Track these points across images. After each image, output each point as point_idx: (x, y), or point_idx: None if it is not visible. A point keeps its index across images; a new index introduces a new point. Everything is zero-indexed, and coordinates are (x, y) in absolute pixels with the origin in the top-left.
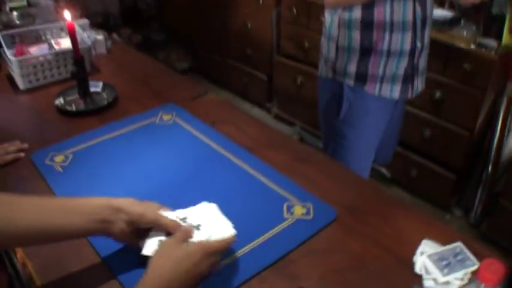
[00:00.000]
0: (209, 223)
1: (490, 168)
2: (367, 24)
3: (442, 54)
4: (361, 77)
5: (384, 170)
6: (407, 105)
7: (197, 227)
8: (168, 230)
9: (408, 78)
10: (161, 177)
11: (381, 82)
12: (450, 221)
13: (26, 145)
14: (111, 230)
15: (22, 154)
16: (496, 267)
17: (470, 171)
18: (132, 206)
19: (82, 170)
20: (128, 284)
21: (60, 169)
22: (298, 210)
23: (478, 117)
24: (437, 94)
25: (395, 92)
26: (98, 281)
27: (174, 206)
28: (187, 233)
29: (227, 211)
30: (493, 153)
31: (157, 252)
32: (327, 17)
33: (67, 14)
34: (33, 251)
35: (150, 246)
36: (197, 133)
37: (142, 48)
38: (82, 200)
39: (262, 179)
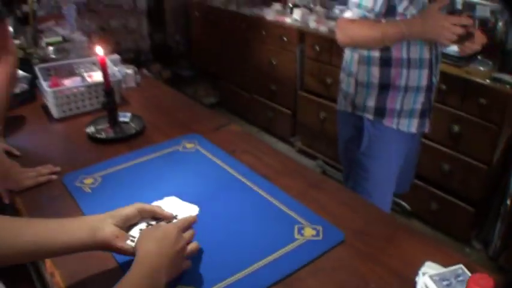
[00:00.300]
0: (182, 210)
1: (508, 201)
2: (385, 61)
3: (460, 89)
4: (380, 112)
5: (404, 204)
6: (426, 139)
7: (175, 217)
8: (155, 214)
9: (425, 113)
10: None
11: (399, 117)
12: (470, 254)
13: (58, 168)
14: (102, 235)
15: (54, 176)
16: (485, 281)
17: (489, 205)
18: (116, 210)
19: (109, 191)
20: None
21: (88, 190)
22: (308, 232)
23: (496, 150)
24: (455, 128)
25: (412, 126)
26: None
27: (194, 225)
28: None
29: (241, 231)
30: (511, 186)
31: (140, 237)
32: (347, 53)
33: (99, 50)
34: (60, 261)
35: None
36: (218, 160)
37: (172, 84)
38: (75, 218)
39: (276, 203)
